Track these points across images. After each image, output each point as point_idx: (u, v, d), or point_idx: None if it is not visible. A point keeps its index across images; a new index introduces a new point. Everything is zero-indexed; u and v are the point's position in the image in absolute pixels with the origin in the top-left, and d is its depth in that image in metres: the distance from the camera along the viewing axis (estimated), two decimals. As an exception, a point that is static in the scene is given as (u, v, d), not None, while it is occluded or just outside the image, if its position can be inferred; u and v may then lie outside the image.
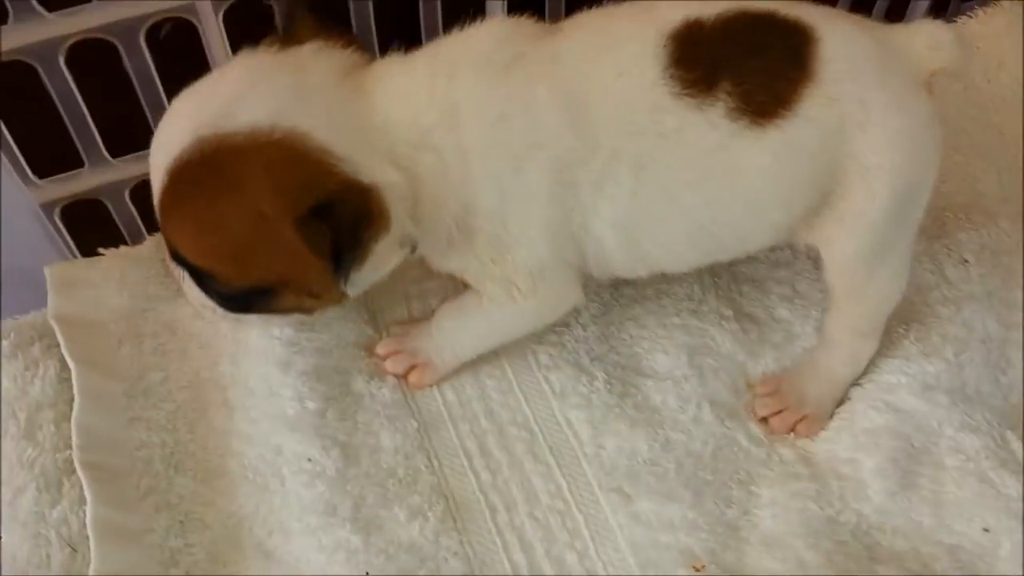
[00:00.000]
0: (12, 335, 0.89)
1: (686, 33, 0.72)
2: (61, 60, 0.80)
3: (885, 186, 0.75)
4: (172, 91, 0.73)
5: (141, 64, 0.84)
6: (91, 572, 0.73)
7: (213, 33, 0.84)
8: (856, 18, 0.78)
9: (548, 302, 0.83)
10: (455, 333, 0.87)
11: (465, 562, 0.79)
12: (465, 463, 0.85)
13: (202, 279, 0.74)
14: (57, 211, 0.90)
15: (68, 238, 0.93)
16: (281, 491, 0.81)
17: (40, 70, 0.80)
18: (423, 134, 0.71)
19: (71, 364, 0.85)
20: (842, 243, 0.79)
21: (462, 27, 0.75)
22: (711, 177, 0.74)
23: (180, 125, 0.68)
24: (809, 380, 0.89)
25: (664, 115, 0.72)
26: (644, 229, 0.77)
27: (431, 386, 0.89)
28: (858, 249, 0.79)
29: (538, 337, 0.93)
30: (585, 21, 0.77)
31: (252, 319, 0.85)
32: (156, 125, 0.72)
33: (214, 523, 0.80)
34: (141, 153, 0.84)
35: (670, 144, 0.72)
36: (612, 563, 0.80)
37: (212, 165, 0.66)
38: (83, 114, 0.85)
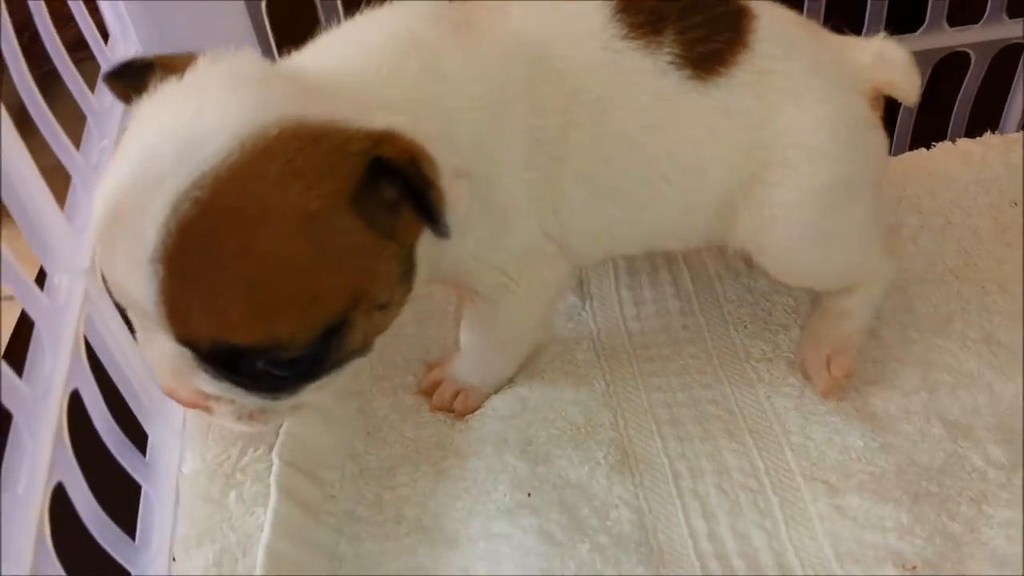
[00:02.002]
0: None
1: None
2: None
3: (812, 169, 0.72)
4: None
5: None
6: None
7: None
8: (798, 17, 0.77)
9: (539, 280, 0.76)
10: (478, 348, 0.81)
11: (637, 513, 0.72)
12: (653, 427, 0.79)
13: (253, 364, 0.56)
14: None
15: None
16: (462, 427, 0.80)
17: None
18: (410, 87, 0.63)
19: None
20: (775, 229, 0.75)
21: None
22: (664, 126, 0.71)
23: (149, 187, 0.51)
24: (821, 320, 0.84)
25: (616, 55, 0.69)
26: (606, 181, 0.72)
27: (475, 409, 0.81)
28: (789, 233, 0.75)
29: (751, 333, 0.87)
30: None
31: (310, 396, 0.62)
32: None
33: (397, 443, 0.80)
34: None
35: (625, 85, 0.70)
36: (805, 550, 0.70)
37: (225, 206, 0.51)
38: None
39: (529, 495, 0.72)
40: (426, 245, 0.62)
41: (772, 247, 0.76)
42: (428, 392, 0.83)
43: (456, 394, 0.81)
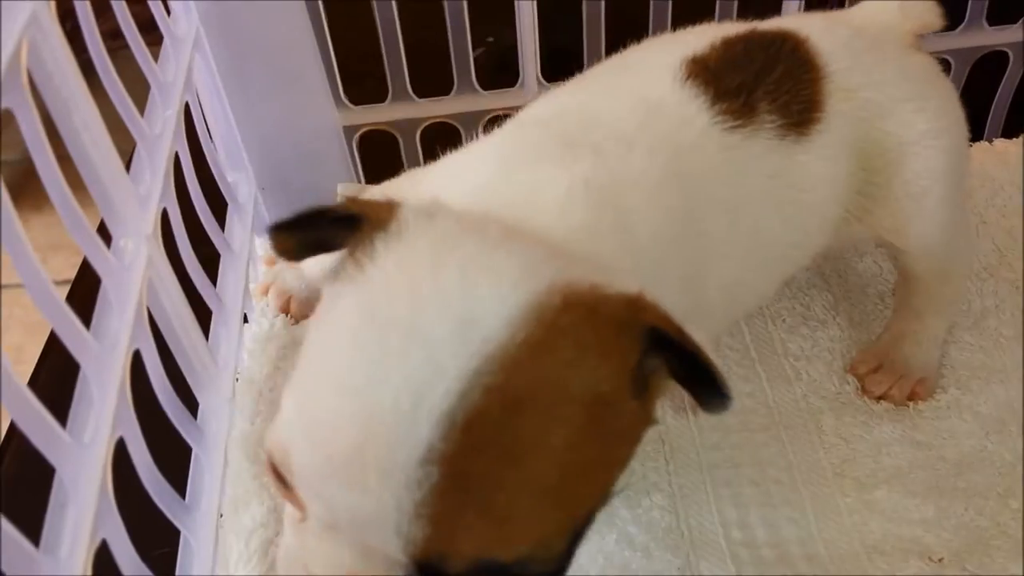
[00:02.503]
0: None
1: (699, 69, 0.66)
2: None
3: (930, 152, 0.72)
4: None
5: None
6: None
7: None
8: (814, 15, 0.77)
9: None
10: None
11: (669, 498, 0.74)
12: (690, 416, 0.81)
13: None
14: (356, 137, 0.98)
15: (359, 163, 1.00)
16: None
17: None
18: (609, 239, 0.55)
19: None
20: (911, 223, 0.75)
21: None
22: (785, 201, 0.69)
23: (423, 373, 0.40)
24: (909, 347, 0.83)
25: (729, 152, 0.65)
26: (744, 276, 0.68)
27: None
28: (928, 221, 0.75)
29: (789, 328, 0.89)
30: (590, 88, 0.70)
31: None
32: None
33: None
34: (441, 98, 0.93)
35: (745, 179, 0.66)
36: (834, 542, 0.71)
37: (521, 393, 0.41)
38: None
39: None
40: None
41: (916, 229, 0.76)
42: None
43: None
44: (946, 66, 1.00)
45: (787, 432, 0.80)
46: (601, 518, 0.69)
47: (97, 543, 0.49)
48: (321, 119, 0.94)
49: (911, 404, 0.82)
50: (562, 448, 0.42)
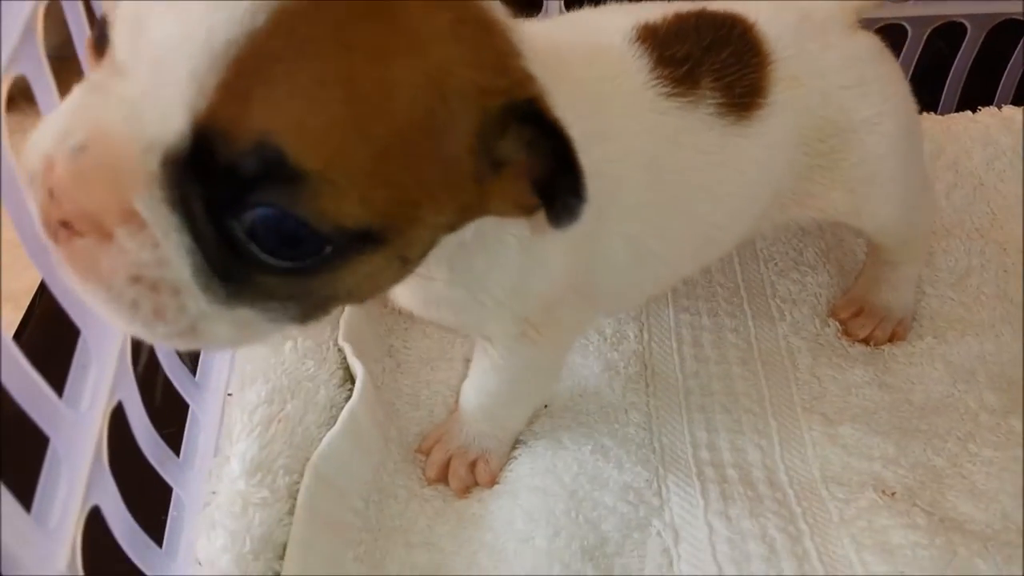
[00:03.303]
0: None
1: (650, 35, 0.67)
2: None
3: (874, 138, 0.74)
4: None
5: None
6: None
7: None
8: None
9: (563, 333, 0.72)
10: (488, 410, 0.74)
11: (646, 418, 0.79)
12: (674, 344, 0.86)
13: (253, 214, 0.41)
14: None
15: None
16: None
17: None
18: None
19: None
20: (864, 205, 0.78)
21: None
22: (714, 180, 0.70)
23: None
24: (885, 292, 0.88)
25: (662, 116, 0.66)
26: (654, 243, 0.69)
27: (499, 472, 0.75)
28: (881, 202, 0.78)
29: (780, 271, 0.93)
30: (551, 28, 0.70)
31: (236, 320, 0.45)
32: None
33: (433, 335, 0.86)
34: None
35: (674, 147, 0.67)
36: (794, 469, 0.76)
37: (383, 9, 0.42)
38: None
39: (546, 406, 0.79)
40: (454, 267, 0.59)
41: (869, 209, 0.79)
42: (439, 478, 0.75)
43: (472, 465, 0.75)
44: (903, 33, 1.04)
45: (764, 367, 0.85)
46: (579, 430, 0.75)
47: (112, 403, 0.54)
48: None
49: (888, 345, 0.87)
50: (390, 82, 0.41)
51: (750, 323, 0.89)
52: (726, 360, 0.85)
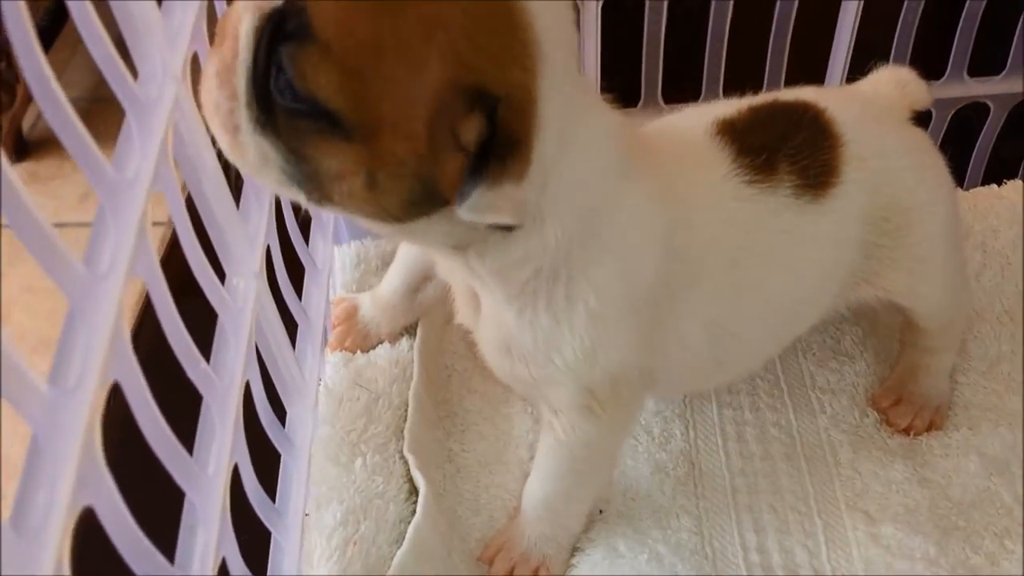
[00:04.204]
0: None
1: (729, 128, 0.74)
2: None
3: (932, 219, 0.80)
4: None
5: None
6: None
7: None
8: (829, 88, 0.84)
9: (622, 418, 0.76)
10: (551, 507, 0.77)
11: (696, 522, 0.83)
12: (719, 441, 0.89)
13: (298, 45, 0.50)
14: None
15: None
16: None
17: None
18: (615, 195, 0.64)
19: None
20: (919, 285, 0.83)
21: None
22: (792, 257, 0.76)
23: None
24: (923, 380, 0.91)
25: (744, 203, 0.72)
26: (734, 322, 0.75)
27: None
28: (933, 283, 0.83)
29: (818, 361, 0.96)
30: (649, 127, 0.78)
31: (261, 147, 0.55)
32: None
33: (489, 436, 0.90)
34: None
35: (755, 231, 0.73)
36: (841, 571, 0.80)
37: None
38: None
39: (600, 512, 0.83)
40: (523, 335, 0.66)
41: (923, 290, 0.84)
42: None
43: (535, 572, 0.79)
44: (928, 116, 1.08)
45: (808, 463, 0.88)
46: (633, 537, 0.79)
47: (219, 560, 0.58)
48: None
49: (925, 437, 0.90)
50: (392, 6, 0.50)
51: (791, 416, 0.92)
52: (770, 456, 0.89)
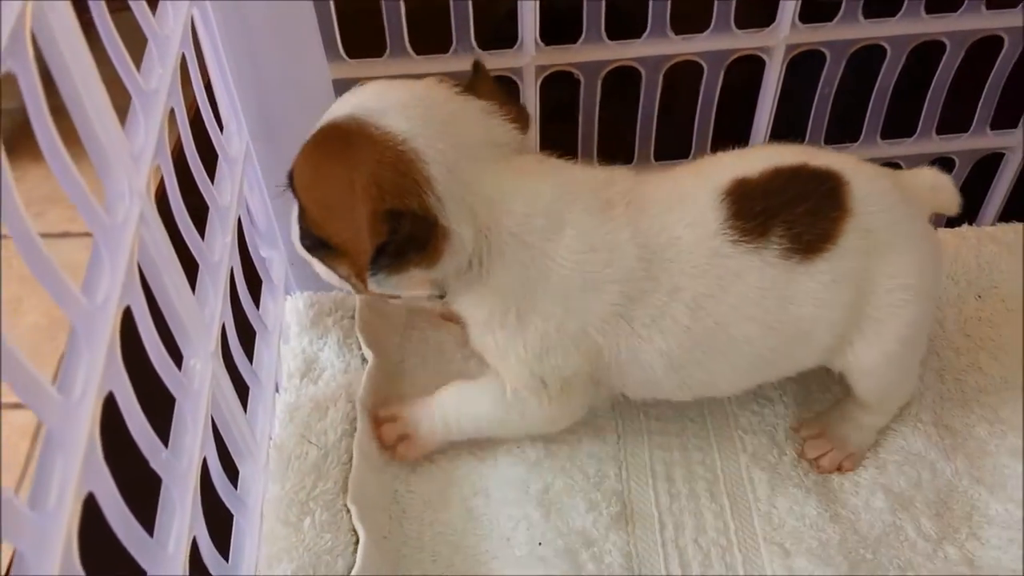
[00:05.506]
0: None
1: (738, 189, 0.80)
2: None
3: (912, 303, 0.85)
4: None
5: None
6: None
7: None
8: (870, 164, 0.88)
9: (565, 411, 0.89)
10: (459, 412, 0.92)
11: (627, 558, 0.89)
12: (650, 480, 0.96)
13: (301, 212, 0.80)
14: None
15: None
16: (493, 464, 0.95)
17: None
18: (526, 230, 0.77)
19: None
20: (872, 357, 0.88)
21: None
22: (766, 310, 0.82)
23: (350, 101, 0.77)
24: (851, 428, 0.98)
25: (724, 260, 0.80)
26: (696, 360, 0.84)
27: (415, 459, 0.94)
28: (886, 361, 0.89)
29: (741, 403, 1.03)
30: (661, 178, 0.85)
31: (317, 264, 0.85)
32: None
33: (435, 477, 0.95)
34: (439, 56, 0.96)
35: (727, 284, 0.80)
36: (757, 602, 0.87)
37: (346, 137, 0.74)
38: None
39: (540, 544, 0.89)
40: (482, 321, 0.82)
41: (876, 372, 0.90)
42: (380, 423, 0.94)
43: (401, 438, 0.93)
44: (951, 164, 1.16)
45: (730, 499, 0.95)
46: (571, 572, 0.85)
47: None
48: (313, 71, 0.92)
49: (837, 474, 0.97)
50: (325, 173, 0.76)
51: (716, 455, 0.99)
52: (696, 494, 0.95)
